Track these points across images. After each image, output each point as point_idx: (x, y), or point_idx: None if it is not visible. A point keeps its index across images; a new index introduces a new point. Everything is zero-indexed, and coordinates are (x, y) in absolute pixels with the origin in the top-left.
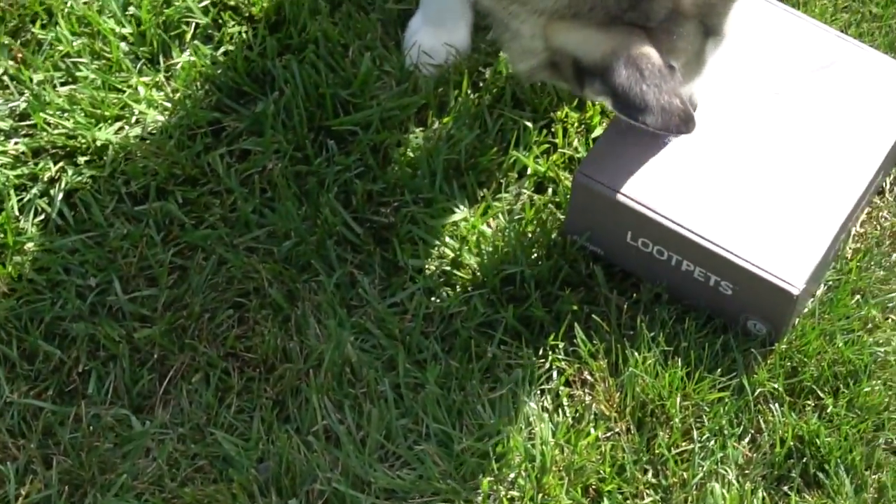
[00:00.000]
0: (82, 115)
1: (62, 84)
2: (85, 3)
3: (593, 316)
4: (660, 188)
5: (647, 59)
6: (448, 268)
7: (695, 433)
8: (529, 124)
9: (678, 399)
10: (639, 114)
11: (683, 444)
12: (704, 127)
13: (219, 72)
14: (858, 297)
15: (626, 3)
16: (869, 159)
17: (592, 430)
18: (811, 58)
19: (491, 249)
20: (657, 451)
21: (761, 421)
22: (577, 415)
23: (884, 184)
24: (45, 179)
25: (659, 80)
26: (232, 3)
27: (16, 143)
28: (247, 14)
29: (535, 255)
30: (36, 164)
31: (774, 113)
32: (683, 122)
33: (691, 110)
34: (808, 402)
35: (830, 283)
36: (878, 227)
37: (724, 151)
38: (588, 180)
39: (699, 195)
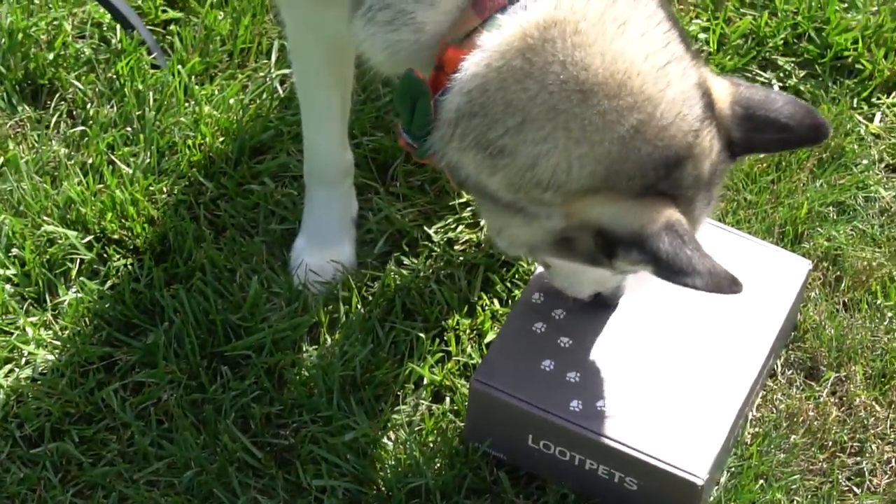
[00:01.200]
0: None
1: None
2: None
3: None
4: (556, 389)
5: (682, 225)
6: (352, 485)
7: None
8: (422, 334)
9: None
10: (687, 277)
11: None
12: (593, 326)
13: (107, 306)
14: (762, 481)
15: (662, 171)
16: (759, 344)
17: None
18: None
19: (394, 463)
20: None
21: None
22: None
23: (775, 366)
24: None
25: (697, 244)
26: (116, 236)
27: None
28: (131, 246)
29: (439, 465)
30: None
31: (660, 308)
32: (733, 283)
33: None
34: None
35: (733, 469)
36: (774, 410)
37: (616, 349)
38: (484, 386)
39: (595, 394)
